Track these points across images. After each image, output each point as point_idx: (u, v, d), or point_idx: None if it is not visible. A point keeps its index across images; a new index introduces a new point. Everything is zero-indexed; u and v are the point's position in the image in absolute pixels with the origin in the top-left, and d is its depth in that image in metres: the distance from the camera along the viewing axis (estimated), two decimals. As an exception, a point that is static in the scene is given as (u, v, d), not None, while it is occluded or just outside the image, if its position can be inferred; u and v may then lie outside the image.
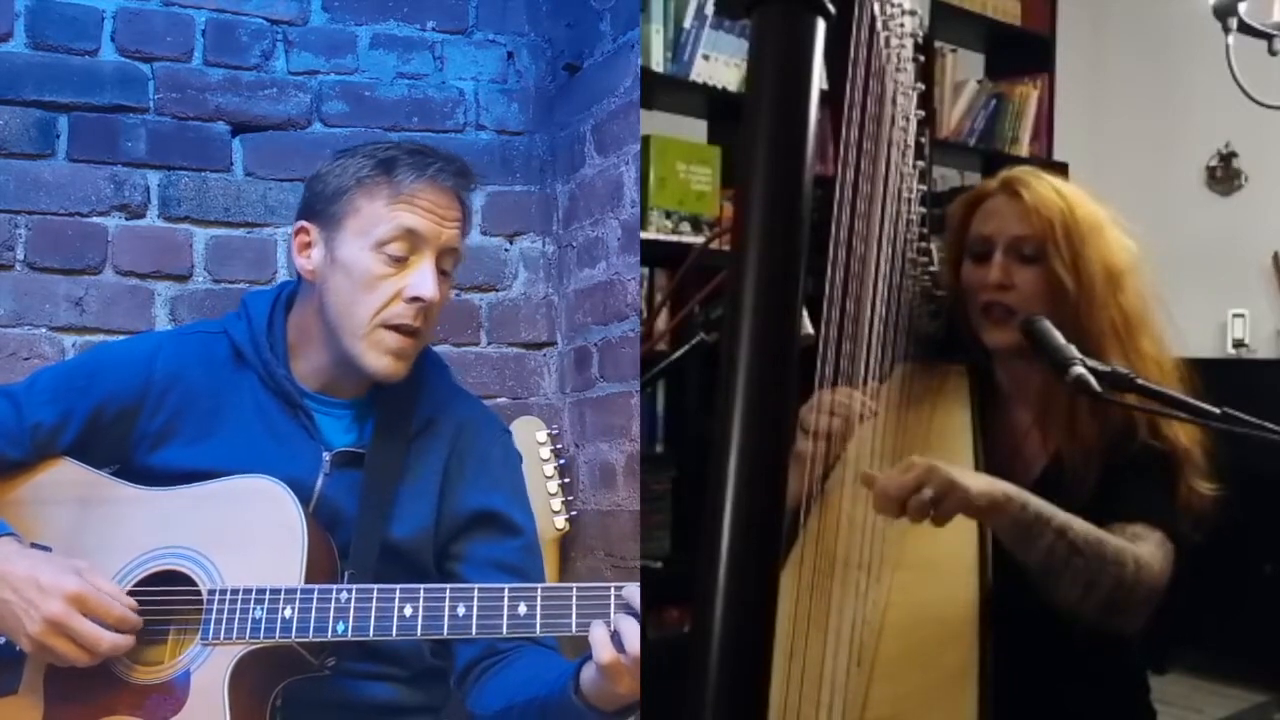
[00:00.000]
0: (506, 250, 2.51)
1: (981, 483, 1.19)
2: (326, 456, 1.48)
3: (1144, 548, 1.29)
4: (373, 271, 1.42)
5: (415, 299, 1.42)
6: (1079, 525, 1.23)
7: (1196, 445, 1.39)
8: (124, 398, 1.48)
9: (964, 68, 3.78)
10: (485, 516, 1.53)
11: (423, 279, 1.42)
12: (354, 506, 1.46)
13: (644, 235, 2.59)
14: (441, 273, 1.45)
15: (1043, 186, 1.47)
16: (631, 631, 1.20)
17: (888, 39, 1.23)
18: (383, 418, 1.51)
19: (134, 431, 1.48)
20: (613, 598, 1.24)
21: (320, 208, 1.47)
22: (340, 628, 1.30)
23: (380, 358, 1.44)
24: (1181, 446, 1.38)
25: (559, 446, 2.32)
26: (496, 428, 1.62)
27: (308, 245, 1.48)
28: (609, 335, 2.33)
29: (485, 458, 1.56)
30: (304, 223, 1.49)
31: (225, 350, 1.51)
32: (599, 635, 1.22)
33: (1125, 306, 1.44)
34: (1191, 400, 1.23)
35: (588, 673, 1.26)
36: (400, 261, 1.43)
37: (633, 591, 1.22)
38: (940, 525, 1.16)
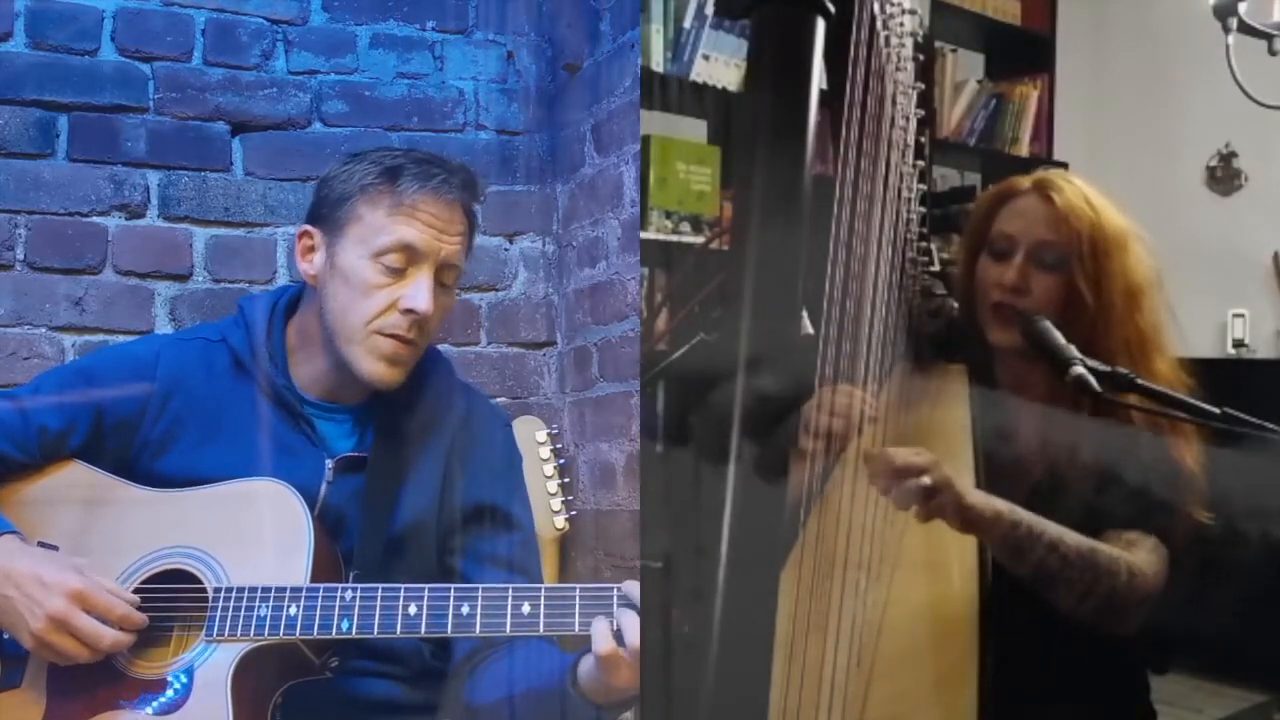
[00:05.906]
0: (506, 250, 2.51)
1: (977, 496, 1.21)
2: (329, 463, 1.48)
3: (1138, 555, 1.30)
4: (369, 281, 1.43)
5: (409, 311, 1.42)
6: (1070, 539, 1.24)
7: (1201, 471, 1.37)
8: (127, 404, 1.48)
9: (964, 68, 3.78)
10: (484, 511, 1.53)
11: (418, 292, 1.42)
12: (358, 511, 1.47)
13: (644, 235, 2.58)
14: (441, 285, 1.46)
15: (1075, 194, 1.44)
16: (632, 625, 1.21)
17: (888, 38, 1.23)
18: (384, 420, 1.51)
19: (136, 439, 1.48)
20: (615, 598, 1.25)
21: (325, 212, 1.47)
22: (345, 626, 1.30)
23: (375, 364, 1.44)
24: (1187, 468, 1.36)
25: (559, 446, 2.32)
26: (498, 421, 1.62)
27: (311, 249, 1.48)
28: (609, 335, 2.33)
29: (487, 452, 1.56)
30: (308, 227, 1.49)
31: (225, 359, 1.51)
32: (600, 627, 1.23)
33: (1141, 326, 1.42)
34: (1191, 400, 1.23)
35: (585, 665, 1.27)
36: (398, 272, 1.43)
37: (633, 587, 1.23)
38: (922, 521, 1.18)
